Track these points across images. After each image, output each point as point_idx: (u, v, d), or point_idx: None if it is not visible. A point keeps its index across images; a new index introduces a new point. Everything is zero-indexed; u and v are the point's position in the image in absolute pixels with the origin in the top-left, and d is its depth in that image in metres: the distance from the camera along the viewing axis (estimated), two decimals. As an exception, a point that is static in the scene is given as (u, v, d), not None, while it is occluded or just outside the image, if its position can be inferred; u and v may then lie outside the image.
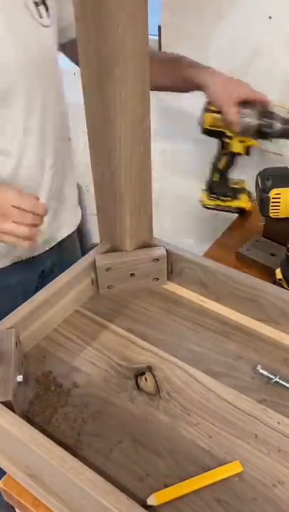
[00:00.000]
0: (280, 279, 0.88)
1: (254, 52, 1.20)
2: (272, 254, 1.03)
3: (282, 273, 0.87)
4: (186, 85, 1.03)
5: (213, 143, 1.42)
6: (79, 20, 0.66)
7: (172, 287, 0.87)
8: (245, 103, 0.98)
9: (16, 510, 0.68)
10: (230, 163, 1.11)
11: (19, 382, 0.64)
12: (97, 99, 0.70)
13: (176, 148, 1.48)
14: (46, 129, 0.94)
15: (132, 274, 0.84)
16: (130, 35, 0.64)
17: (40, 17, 0.87)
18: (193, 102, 1.38)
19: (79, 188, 1.24)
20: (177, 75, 1.02)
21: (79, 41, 0.68)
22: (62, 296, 0.79)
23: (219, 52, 1.26)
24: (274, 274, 0.91)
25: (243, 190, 1.19)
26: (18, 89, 0.86)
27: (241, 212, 1.20)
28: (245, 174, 1.41)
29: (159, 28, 1.34)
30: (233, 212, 1.20)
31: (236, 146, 1.09)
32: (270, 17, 1.14)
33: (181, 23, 1.29)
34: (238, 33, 1.21)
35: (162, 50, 1.36)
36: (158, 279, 0.86)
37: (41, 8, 0.86)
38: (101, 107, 0.70)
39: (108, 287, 0.85)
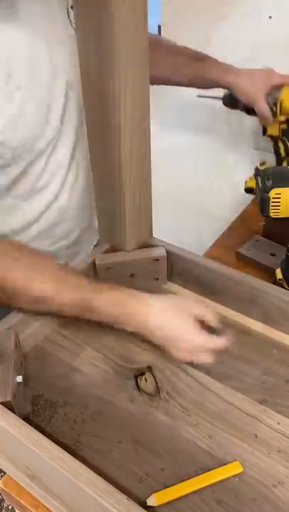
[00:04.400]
0: (280, 279, 0.87)
1: (254, 52, 1.20)
2: (272, 254, 1.03)
3: (283, 273, 0.87)
4: (209, 84, 1.02)
5: (213, 143, 1.42)
6: (79, 19, 0.66)
7: (172, 287, 0.87)
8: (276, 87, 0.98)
9: (16, 510, 0.68)
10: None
11: (19, 383, 0.64)
12: (96, 99, 0.70)
13: (176, 148, 1.48)
14: (80, 161, 0.87)
15: (132, 274, 0.84)
16: (130, 35, 0.64)
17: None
18: (193, 103, 1.38)
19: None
20: (201, 74, 1.00)
21: (79, 40, 0.68)
22: (62, 296, 0.79)
23: (219, 52, 1.25)
24: (274, 274, 0.91)
25: None
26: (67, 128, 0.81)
27: None
28: (247, 175, 1.41)
29: (159, 28, 1.34)
30: None
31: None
32: (270, 17, 1.14)
33: (181, 23, 1.29)
34: (238, 32, 1.20)
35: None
36: (158, 279, 0.86)
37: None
38: (101, 107, 0.70)
39: (108, 287, 0.85)
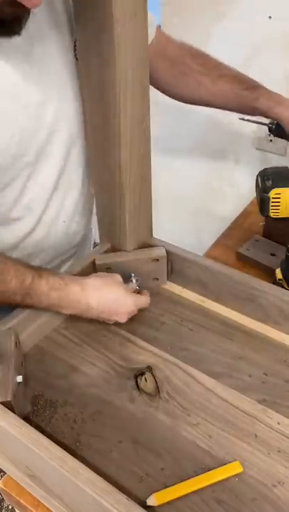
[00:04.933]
0: (280, 279, 0.87)
1: (254, 52, 1.20)
2: (273, 254, 1.03)
3: (282, 273, 0.87)
4: (255, 113, 0.98)
5: (213, 143, 1.42)
6: (78, 21, 0.66)
7: (172, 287, 0.87)
8: None
9: (16, 510, 0.68)
10: None
11: (19, 383, 0.64)
12: (96, 100, 0.70)
13: (176, 147, 1.48)
14: (66, 193, 0.85)
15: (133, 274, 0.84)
16: (130, 35, 0.64)
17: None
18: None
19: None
20: (250, 104, 0.95)
21: (78, 42, 0.68)
22: (62, 296, 0.79)
23: (219, 52, 1.25)
24: (274, 274, 0.91)
25: None
26: (53, 147, 0.78)
27: None
28: (247, 175, 1.42)
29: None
30: None
31: None
32: (270, 17, 1.14)
33: (181, 23, 1.29)
34: (238, 32, 1.20)
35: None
36: (158, 279, 0.86)
37: None
38: (101, 108, 0.70)
39: (108, 287, 0.85)
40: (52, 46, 0.71)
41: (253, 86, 0.95)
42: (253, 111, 0.96)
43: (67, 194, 0.84)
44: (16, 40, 0.63)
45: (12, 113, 0.69)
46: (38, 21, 0.67)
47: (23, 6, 0.55)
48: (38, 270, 0.72)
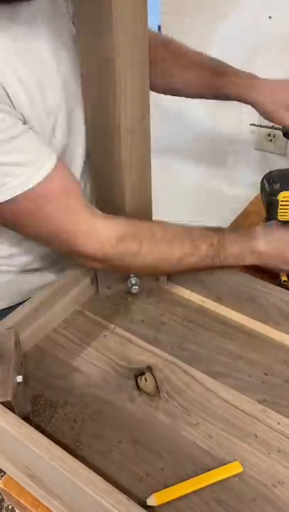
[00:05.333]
0: (285, 281, 0.87)
1: (254, 52, 1.20)
2: (272, 254, 1.03)
3: (287, 274, 0.87)
4: (229, 99, 0.94)
5: (213, 143, 1.42)
6: (78, 19, 0.66)
7: (172, 287, 0.87)
8: None
9: (16, 510, 0.68)
10: None
11: (19, 383, 0.64)
12: (96, 99, 0.70)
13: (176, 147, 1.48)
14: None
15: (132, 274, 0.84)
16: (130, 35, 0.64)
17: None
18: (193, 102, 1.38)
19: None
20: (219, 91, 0.93)
21: (79, 40, 0.68)
22: (61, 296, 0.79)
23: (219, 52, 1.26)
24: (278, 275, 0.90)
25: None
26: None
27: None
28: (247, 175, 1.42)
29: (159, 28, 1.34)
30: None
31: None
32: (270, 17, 1.14)
33: (181, 23, 1.29)
34: (238, 32, 1.20)
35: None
36: (158, 279, 0.86)
37: None
38: (101, 107, 0.70)
39: (108, 287, 0.85)
40: (59, 28, 0.71)
41: (221, 71, 0.92)
42: (225, 97, 0.93)
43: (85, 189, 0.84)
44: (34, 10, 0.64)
45: (58, 110, 0.70)
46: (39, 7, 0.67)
47: None
48: (216, 230, 0.79)
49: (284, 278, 0.87)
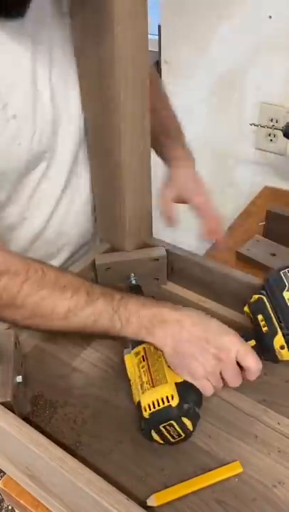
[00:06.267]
0: (247, 313, 0.73)
1: (254, 52, 1.20)
2: (273, 254, 1.03)
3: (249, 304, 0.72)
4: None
5: (213, 143, 1.42)
6: (77, 20, 0.66)
7: (172, 287, 0.87)
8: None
9: (16, 510, 0.68)
10: None
11: (19, 383, 0.64)
12: (96, 99, 0.70)
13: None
14: (81, 177, 0.83)
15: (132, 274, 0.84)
16: (130, 35, 0.64)
17: None
18: (193, 102, 1.38)
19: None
20: (160, 149, 0.93)
21: (77, 41, 0.68)
22: (62, 296, 0.79)
23: (219, 51, 1.26)
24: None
25: None
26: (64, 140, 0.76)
27: None
28: (247, 175, 1.41)
29: (159, 27, 1.34)
30: None
31: None
32: (270, 17, 1.14)
33: (181, 23, 1.29)
34: (238, 32, 1.20)
35: (162, 49, 1.36)
36: (158, 279, 0.86)
37: None
38: (101, 107, 0.70)
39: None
40: (57, 33, 0.69)
41: (173, 136, 0.95)
42: (159, 154, 0.94)
43: (76, 191, 0.83)
44: (23, 24, 0.62)
45: (32, 109, 0.68)
46: (41, 8, 0.66)
47: None
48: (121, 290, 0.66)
49: (246, 310, 0.75)
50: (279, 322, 0.63)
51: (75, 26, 0.68)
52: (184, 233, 1.61)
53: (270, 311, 0.65)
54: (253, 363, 0.60)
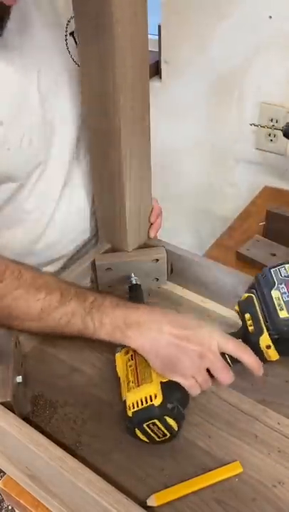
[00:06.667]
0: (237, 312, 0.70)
1: (254, 51, 1.20)
2: (273, 254, 1.03)
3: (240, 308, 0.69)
4: None
5: (213, 143, 1.42)
6: (78, 20, 0.66)
7: (172, 287, 0.87)
8: None
9: (16, 510, 0.68)
10: None
11: (18, 383, 0.64)
12: (97, 100, 0.70)
13: (176, 147, 1.48)
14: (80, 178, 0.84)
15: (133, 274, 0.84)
16: (130, 35, 0.64)
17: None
18: (193, 102, 1.38)
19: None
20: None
21: (78, 41, 0.68)
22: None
23: (219, 51, 1.26)
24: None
25: None
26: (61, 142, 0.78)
27: None
28: (247, 175, 1.41)
29: (159, 27, 1.34)
30: None
31: None
32: (270, 17, 1.14)
33: (181, 23, 1.29)
34: (238, 32, 1.20)
35: (162, 49, 1.36)
36: (158, 279, 0.86)
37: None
38: (101, 108, 0.70)
39: (108, 287, 0.85)
40: (44, 38, 0.70)
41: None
42: None
43: (76, 190, 0.84)
44: (7, 36, 0.63)
45: (19, 114, 0.68)
46: (25, 16, 0.67)
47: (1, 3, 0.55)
48: (99, 290, 0.65)
49: (236, 308, 0.71)
50: (265, 321, 0.61)
51: (76, 28, 0.68)
52: (184, 233, 1.62)
53: (258, 310, 0.63)
54: (237, 349, 0.59)
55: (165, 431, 0.59)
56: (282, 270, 0.64)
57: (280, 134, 1.19)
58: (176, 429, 0.60)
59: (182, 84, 1.37)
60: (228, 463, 0.60)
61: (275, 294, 0.62)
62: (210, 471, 0.60)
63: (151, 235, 0.87)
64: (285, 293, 0.62)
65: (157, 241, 0.87)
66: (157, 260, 0.84)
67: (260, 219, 1.13)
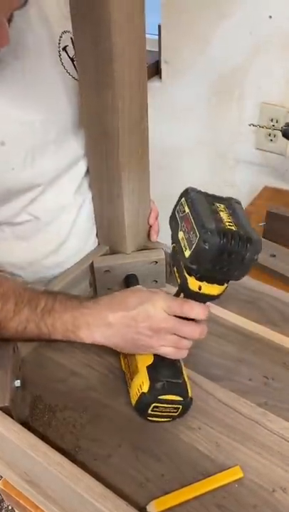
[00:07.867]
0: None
1: (254, 51, 1.20)
2: (272, 255, 1.03)
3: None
4: None
5: (213, 143, 1.41)
6: (75, 23, 0.65)
7: (171, 290, 0.86)
8: None
9: (16, 510, 0.68)
10: None
11: (17, 387, 0.64)
12: (95, 102, 0.70)
13: (175, 148, 1.48)
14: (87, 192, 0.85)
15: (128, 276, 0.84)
16: (129, 35, 0.63)
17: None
18: (193, 103, 1.37)
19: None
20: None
21: (76, 43, 0.67)
22: (60, 299, 0.78)
23: (219, 51, 1.25)
24: (274, 274, 0.88)
25: None
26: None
27: None
28: (247, 175, 1.41)
29: (159, 27, 1.33)
30: None
31: None
32: (270, 16, 1.14)
33: (181, 23, 1.28)
34: (238, 32, 1.20)
35: (162, 49, 1.35)
36: (156, 281, 0.86)
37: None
38: (99, 109, 0.70)
39: (106, 290, 0.84)
40: (41, 60, 0.70)
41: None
42: None
43: (82, 204, 0.83)
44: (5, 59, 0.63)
45: (20, 134, 0.69)
46: (23, 40, 0.67)
47: None
48: (51, 292, 0.67)
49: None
50: (184, 268, 0.56)
51: (74, 31, 0.67)
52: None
53: (180, 259, 0.57)
54: (181, 309, 0.59)
55: (171, 407, 0.60)
56: (180, 207, 0.61)
57: (280, 134, 1.19)
58: (180, 399, 0.61)
59: (182, 85, 1.37)
60: (229, 467, 0.60)
61: (180, 235, 0.58)
62: (210, 475, 0.59)
63: (153, 238, 0.87)
64: (185, 231, 0.57)
65: (156, 243, 0.87)
66: (156, 262, 0.84)
67: (260, 219, 1.12)
